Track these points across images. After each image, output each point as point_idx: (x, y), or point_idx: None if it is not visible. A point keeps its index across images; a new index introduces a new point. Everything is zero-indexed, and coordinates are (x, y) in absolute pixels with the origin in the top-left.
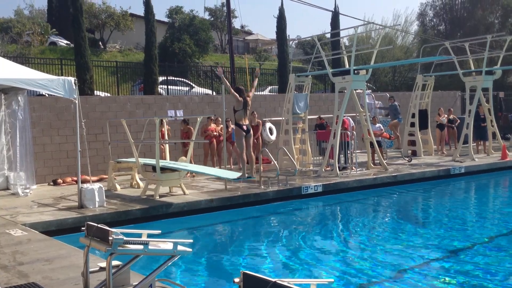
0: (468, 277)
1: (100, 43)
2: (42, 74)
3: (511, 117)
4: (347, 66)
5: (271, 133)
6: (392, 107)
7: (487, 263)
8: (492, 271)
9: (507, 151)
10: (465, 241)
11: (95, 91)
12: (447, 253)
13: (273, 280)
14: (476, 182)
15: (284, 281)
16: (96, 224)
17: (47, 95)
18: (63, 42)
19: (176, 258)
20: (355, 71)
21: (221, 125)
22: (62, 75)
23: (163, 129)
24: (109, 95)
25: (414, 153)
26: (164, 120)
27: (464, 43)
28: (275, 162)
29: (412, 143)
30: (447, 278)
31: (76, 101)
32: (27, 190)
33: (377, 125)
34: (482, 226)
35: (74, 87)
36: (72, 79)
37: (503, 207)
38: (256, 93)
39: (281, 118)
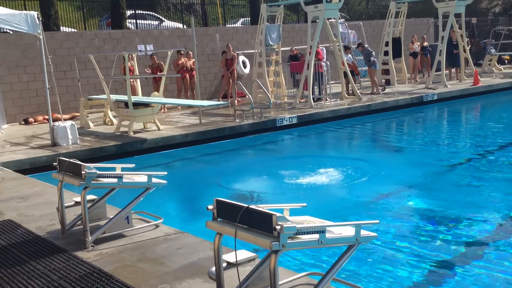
0: (438, 200)
1: None
2: (3, 9)
3: (483, 43)
4: None
5: (245, 66)
6: (366, 53)
7: (459, 184)
8: (463, 194)
9: (479, 77)
10: (437, 165)
11: (61, 27)
12: (421, 177)
13: (246, 205)
14: (448, 108)
15: (257, 207)
16: (68, 159)
17: (10, 32)
18: None
19: (151, 190)
20: None
21: (193, 59)
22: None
23: (129, 65)
24: (75, 30)
25: (387, 82)
26: (133, 55)
27: None
28: (249, 95)
29: (386, 71)
30: (412, 202)
31: (41, 37)
32: None
33: (348, 55)
34: (454, 149)
35: (37, 22)
36: (35, 13)
37: (475, 131)
38: (228, 25)
39: (254, 51)
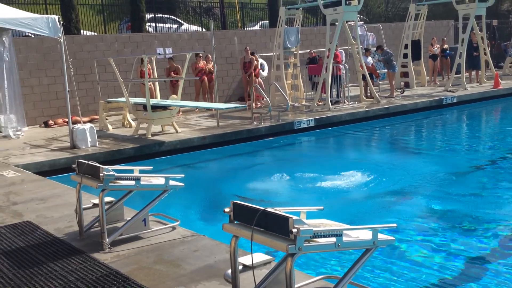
0: (457, 205)
1: None
2: (25, 13)
3: (503, 46)
4: None
5: (263, 69)
6: (386, 56)
7: (477, 189)
8: (481, 198)
9: (499, 80)
10: (456, 169)
11: (82, 31)
12: (439, 181)
13: (262, 208)
14: (468, 111)
15: (274, 210)
16: (86, 161)
17: (32, 36)
18: None
19: (168, 193)
20: (347, 2)
21: (212, 62)
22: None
23: (144, 69)
24: (96, 34)
25: (407, 85)
26: (152, 58)
27: None
28: (267, 98)
29: (405, 74)
30: (430, 206)
31: (62, 40)
32: (19, 132)
33: (368, 58)
34: (473, 153)
35: (58, 26)
36: (56, 17)
37: (495, 135)
38: (247, 28)
39: (272, 54)
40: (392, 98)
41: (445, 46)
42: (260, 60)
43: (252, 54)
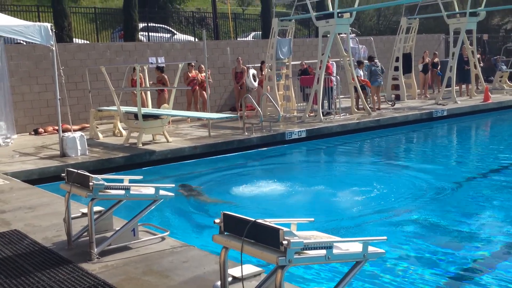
0: (446, 219)
1: None
2: (18, 20)
3: (493, 60)
4: (331, 9)
5: (255, 80)
6: (367, 68)
7: (467, 203)
8: (471, 212)
9: (489, 94)
10: (445, 182)
11: (74, 39)
12: (429, 194)
13: (253, 220)
14: (458, 125)
15: (264, 221)
16: (76, 170)
17: (24, 43)
18: None
19: (158, 203)
20: (339, 14)
21: (204, 73)
22: (39, 22)
23: (135, 78)
24: (88, 42)
25: (397, 97)
26: (144, 68)
27: None
28: (259, 109)
29: (396, 87)
30: (420, 220)
31: (54, 48)
32: (8, 140)
33: (360, 71)
34: (462, 167)
35: (50, 34)
36: (48, 25)
37: (485, 149)
38: (239, 39)
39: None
40: (379, 110)
41: (436, 60)
42: (252, 71)
43: (262, 63)
